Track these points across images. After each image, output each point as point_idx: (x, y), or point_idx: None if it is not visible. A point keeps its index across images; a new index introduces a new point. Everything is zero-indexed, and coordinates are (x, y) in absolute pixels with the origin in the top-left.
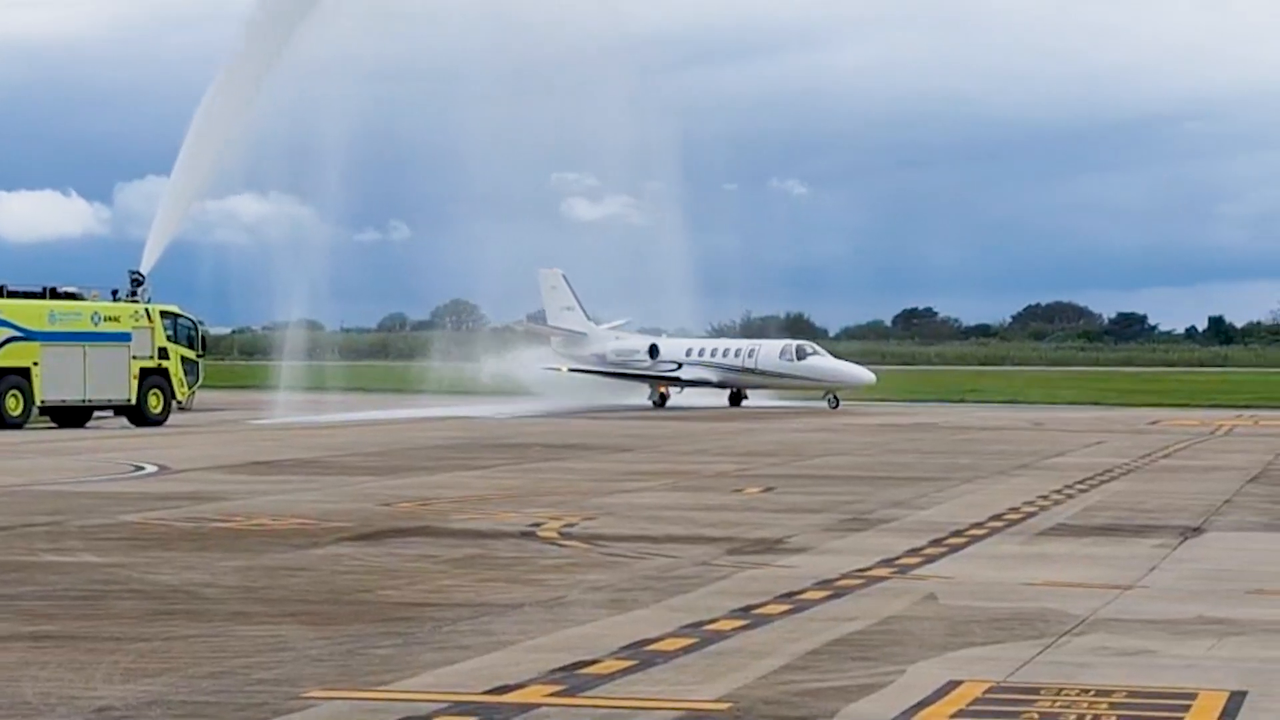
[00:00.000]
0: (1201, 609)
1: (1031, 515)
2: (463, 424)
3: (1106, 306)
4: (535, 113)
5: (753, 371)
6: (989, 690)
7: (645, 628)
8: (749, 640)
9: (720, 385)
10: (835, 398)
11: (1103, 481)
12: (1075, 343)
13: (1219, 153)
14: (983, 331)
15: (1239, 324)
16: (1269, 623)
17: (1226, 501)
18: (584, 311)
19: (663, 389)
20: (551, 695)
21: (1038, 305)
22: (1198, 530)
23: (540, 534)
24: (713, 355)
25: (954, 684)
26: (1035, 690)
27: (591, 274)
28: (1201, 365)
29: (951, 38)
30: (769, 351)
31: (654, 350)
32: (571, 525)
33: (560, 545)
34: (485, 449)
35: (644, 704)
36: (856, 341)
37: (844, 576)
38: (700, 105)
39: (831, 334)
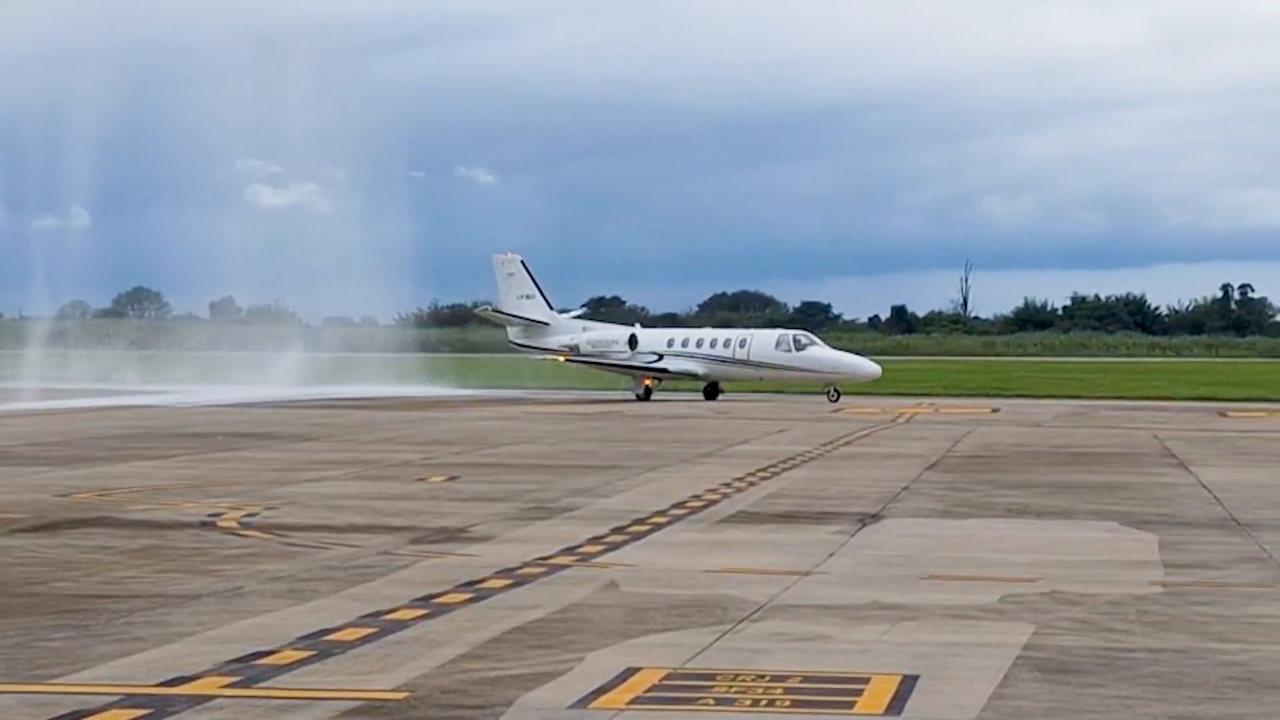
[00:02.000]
0: (877, 595)
1: (714, 503)
2: (146, 413)
3: (791, 296)
4: (219, 99)
5: (745, 363)
6: (666, 677)
7: (324, 618)
8: (428, 629)
9: (705, 377)
10: (836, 390)
11: (784, 469)
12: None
13: (900, 143)
14: (670, 320)
15: (920, 313)
16: (942, 608)
17: (905, 489)
18: (546, 300)
19: (648, 381)
20: (227, 686)
21: (724, 294)
22: (876, 517)
23: (220, 524)
24: (698, 346)
25: (632, 671)
26: (712, 676)
27: (276, 261)
28: (884, 354)
29: (638, 26)
30: (763, 342)
31: (633, 341)
32: (252, 515)
33: (240, 535)
34: (167, 438)
35: (321, 694)
36: None
37: (526, 565)
38: (387, 93)
39: None
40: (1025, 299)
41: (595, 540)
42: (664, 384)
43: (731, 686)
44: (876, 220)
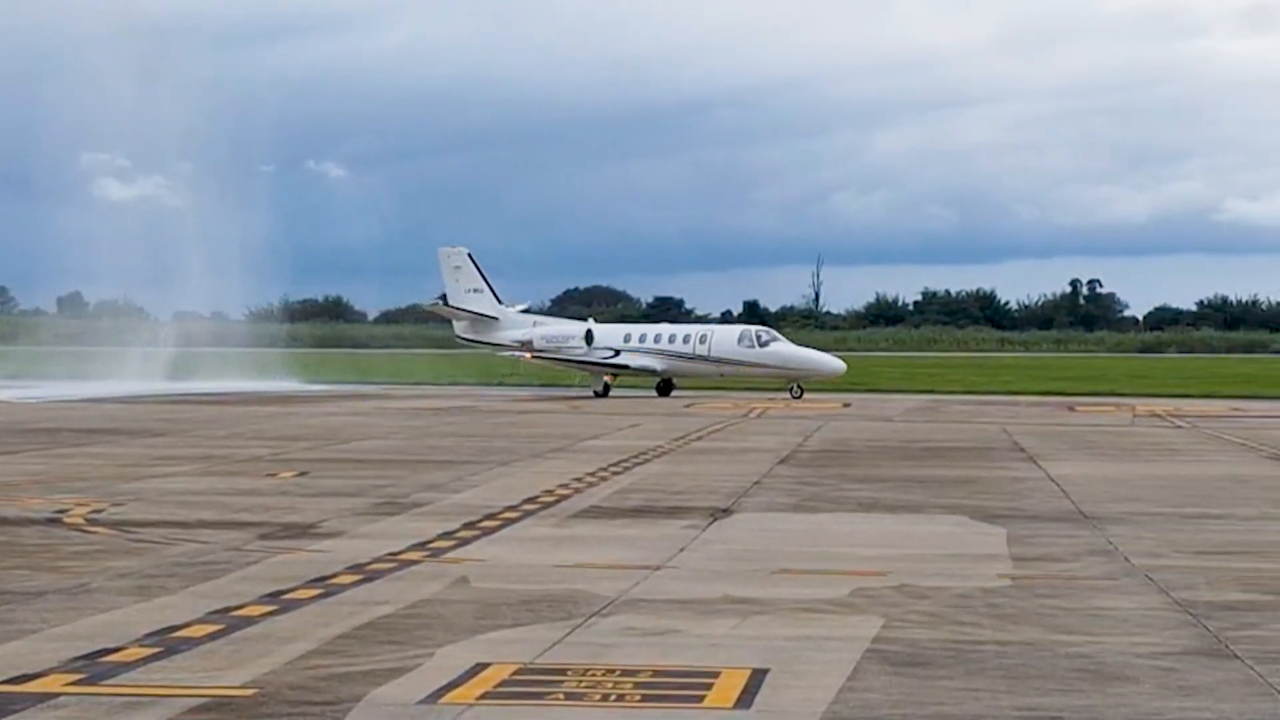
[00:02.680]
0: (727, 589)
1: (565, 498)
2: None
3: (644, 291)
4: (65, 92)
5: (706, 359)
6: (516, 672)
7: (172, 614)
8: (277, 626)
9: (664, 374)
10: (799, 387)
11: (636, 464)
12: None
13: (753, 139)
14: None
15: (773, 308)
16: (792, 602)
17: (756, 483)
18: (494, 294)
19: (608, 377)
20: (71, 684)
21: (576, 289)
22: (727, 511)
23: (67, 520)
24: (655, 341)
25: (482, 666)
26: (562, 671)
27: (125, 255)
28: None
29: (492, 21)
30: (725, 337)
31: (589, 336)
32: (99, 511)
33: (87, 532)
34: (12, 434)
35: (168, 691)
36: (395, 325)
37: (376, 560)
38: (236, 87)
39: (371, 317)
40: (877, 294)
41: (446, 536)
42: (615, 380)
43: (581, 681)
44: (729, 216)
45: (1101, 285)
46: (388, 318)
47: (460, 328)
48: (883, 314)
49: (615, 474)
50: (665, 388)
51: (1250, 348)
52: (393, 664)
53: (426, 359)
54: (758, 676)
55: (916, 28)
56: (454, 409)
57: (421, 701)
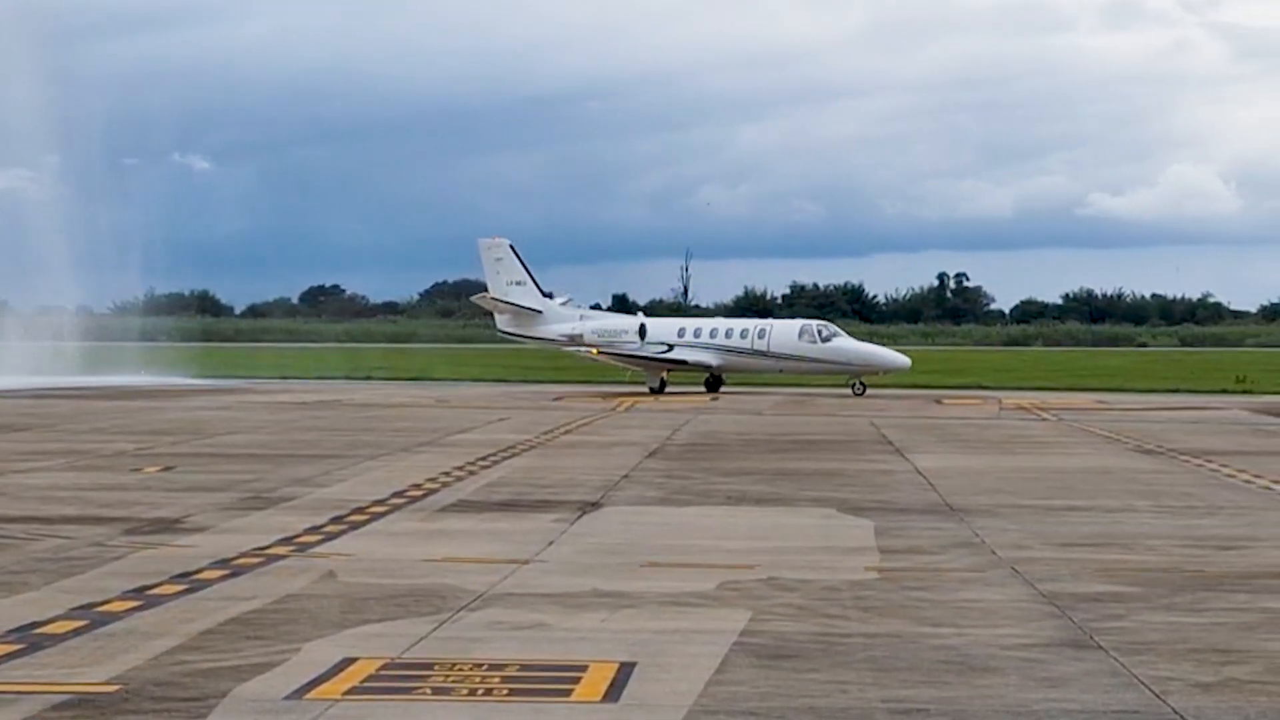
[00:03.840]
0: (595, 582)
1: (434, 492)
2: None
3: None
4: None
5: (765, 354)
6: (383, 667)
7: (34, 610)
8: (142, 621)
9: (720, 369)
10: (861, 383)
11: (505, 458)
12: (483, 320)
13: (621, 132)
14: (391, 309)
15: (641, 301)
16: (660, 595)
17: (625, 476)
18: (538, 286)
19: (664, 373)
20: None
21: (445, 283)
22: (596, 505)
23: None
24: (711, 336)
25: (349, 661)
26: (429, 666)
27: None
28: None
29: (357, 11)
30: (785, 332)
31: (643, 330)
32: None
33: None
34: None
35: (31, 688)
36: (264, 319)
37: (242, 555)
38: (100, 78)
39: (238, 310)
40: (745, 288)
41: (313, 530)
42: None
43: (449, 676)
44: (597, 209)
45: (968, 279)
46: (255, 311)
47: (502, 321)
48: (751, 307)
49: (484, 468)
50: (714, 383)
51: (1115, 341)
52: (259, 659)
53: (292, 353)
54: (625, 670)
55: (783, 22)
56: (320, 403)
57: (287, 697)
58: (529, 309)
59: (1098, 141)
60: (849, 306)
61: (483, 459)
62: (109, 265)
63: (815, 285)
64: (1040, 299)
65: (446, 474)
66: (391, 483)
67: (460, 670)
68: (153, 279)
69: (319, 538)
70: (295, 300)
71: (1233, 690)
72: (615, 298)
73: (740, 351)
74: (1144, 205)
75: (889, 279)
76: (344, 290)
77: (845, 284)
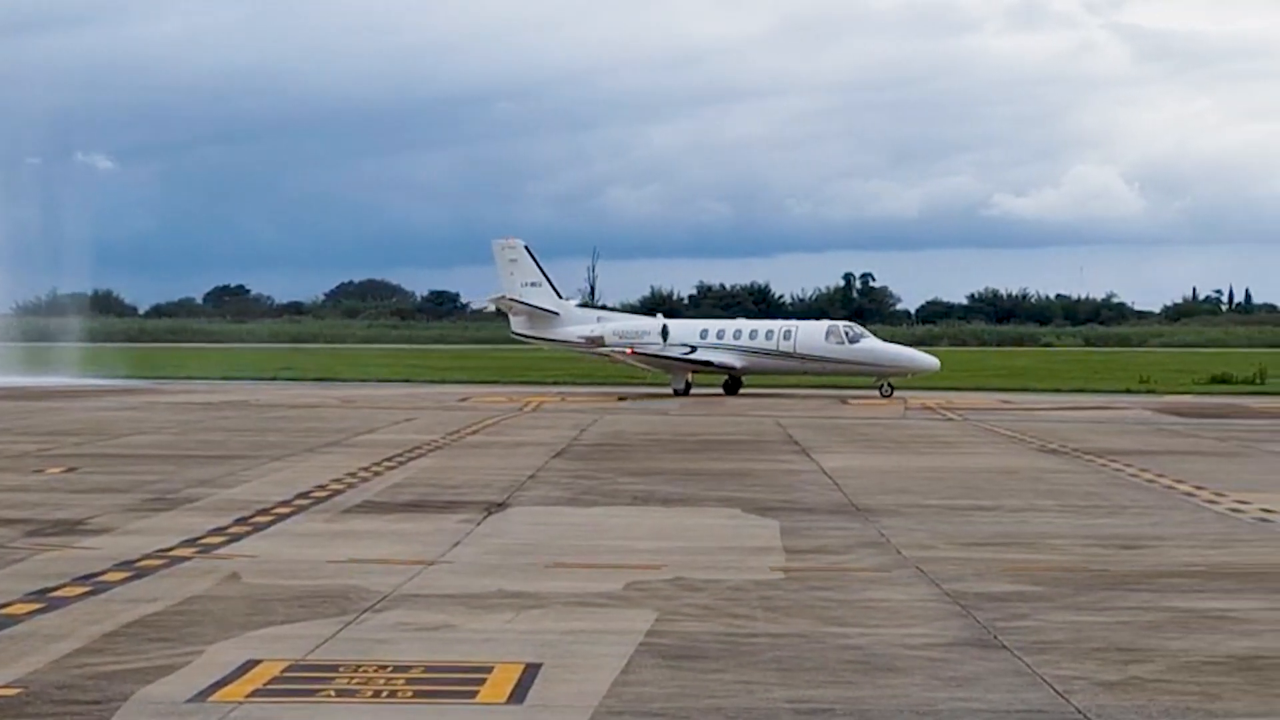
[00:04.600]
0: (502, 583)
1: (339, 492)
2: None
3: (419, 284)
4: None
5: (791, 356)
6: (287, 669)
7: None
8: (43, 624)
9: (744, 371)
10: (889, 385)
11: (411, 458)
12: (388, 321)
13: (528, 132)
14: (296, 309)
15: None
16: (566, 595)
17: (531, 477)
18: (554, 287)
19: (689, 375)
20: None
21: (351, 283)
22: (502, 505)
23: None
24: (735, 337)
25: (253, 663)
26: (334, 667)
27: None
28: (509, 342)
29: (264, 10)
30: (811, 333)
31: (665, 331)
32: None
33: None
34: None
35: None
36: (168, 319)
37: (146, 557)
38: (3, 77)
39: (142, 311)
40: (652, 287)
41: (217, 531)
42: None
43: (353, 678)
44: (505, 208)
45: (874, 279)
46: (160, 311)
47: (517, 323)
48: (658, 307)
49: (389, 468)
50: (732, 385)
51: (1020, 340)
52: (162, 662)
53: (197, 353)
54: (531, 671)
55: (691, 22)
56: (225, 403)
57: (191, 700)
58: (546, 310)
59: (1003, 142)
60: (755, 307)
61: (389, 460)
62: (11, 266)
63: (722, 285)
64: (946, 299)
65: (352, 475)
66: (297, 484)
67: (365, 672)
68: (55, 279)
69: (223, 539)
70: (200, 300)
71: (1136, 689)
72: None
73: (765, 353)
74: (1049, 206)
75: (795, 279)
76: (249, 290)
77: (751, 284)
